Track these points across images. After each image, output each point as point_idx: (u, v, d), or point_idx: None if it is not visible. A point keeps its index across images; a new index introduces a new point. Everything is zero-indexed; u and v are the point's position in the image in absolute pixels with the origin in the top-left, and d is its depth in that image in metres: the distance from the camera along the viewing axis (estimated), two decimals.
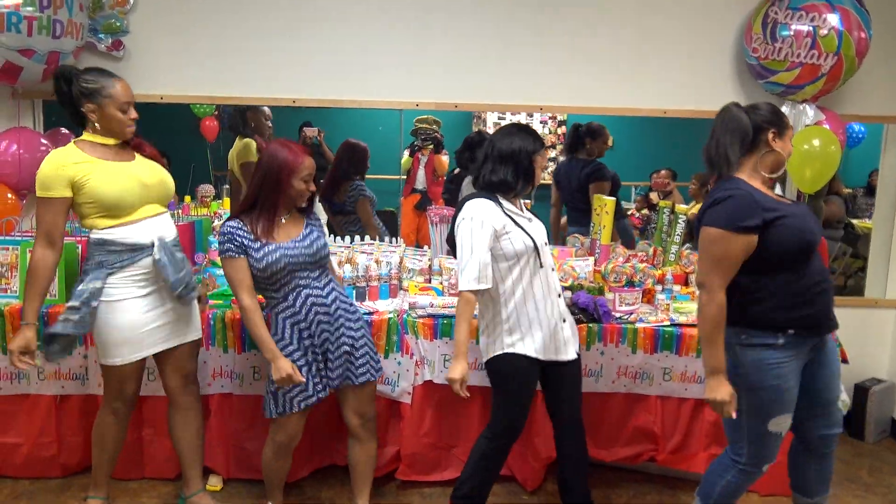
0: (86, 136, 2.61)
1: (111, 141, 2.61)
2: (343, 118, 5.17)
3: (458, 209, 2.65)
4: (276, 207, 2.56)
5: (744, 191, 2.28)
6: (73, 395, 3.07)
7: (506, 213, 2.60)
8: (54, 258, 2.53)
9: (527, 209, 2.77)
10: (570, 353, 2.67)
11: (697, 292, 2.37)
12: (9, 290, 3.14)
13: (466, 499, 2.71)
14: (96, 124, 2.58)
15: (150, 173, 2.65)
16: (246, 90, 3.73)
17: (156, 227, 2.63)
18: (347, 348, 2.66)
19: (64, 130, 3.75)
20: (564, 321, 2.67)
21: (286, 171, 2.53)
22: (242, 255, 2.53)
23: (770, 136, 2.36)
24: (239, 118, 4.74)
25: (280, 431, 2.67)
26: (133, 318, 2.58)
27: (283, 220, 2.62)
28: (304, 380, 2.57)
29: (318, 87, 3.79)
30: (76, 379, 3.05)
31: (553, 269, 2.69)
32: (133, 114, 2.62)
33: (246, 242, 2.53)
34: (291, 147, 2.57)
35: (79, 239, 3.19)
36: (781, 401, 2.37)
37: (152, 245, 2.58)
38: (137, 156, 2.68)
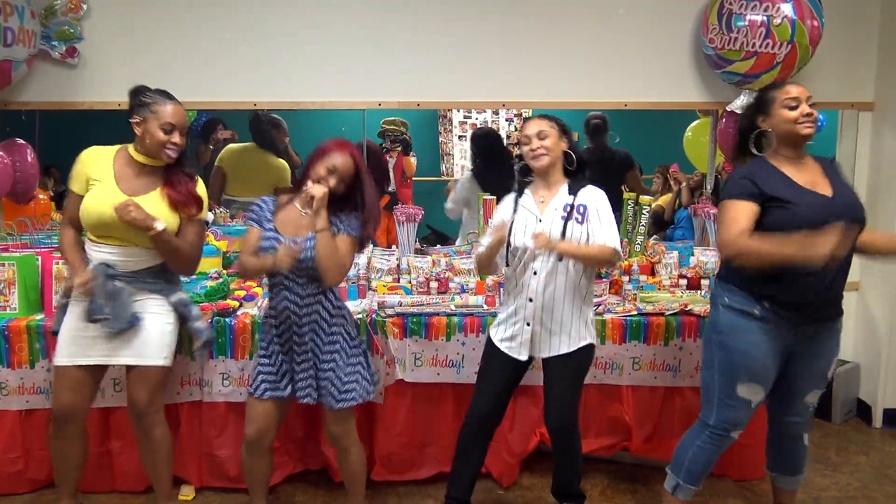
0: (130, 146, 2.60)
1: (143, 159, 2.57)
2: (305, 119, 5.14)
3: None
4: (293, 196, 2.62)
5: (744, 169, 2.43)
6: (37, 410, 3.00)
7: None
8: (75, 234, 2.64)
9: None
10: (522, 355, 2.65)
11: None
12: None
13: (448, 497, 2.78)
14: (141, 139, 2.55)
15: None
16: (206, 95, 3.68)
17: (112, 254, 2.57)
18: (309, 365, 2.59)
19: (20, 141, 3.68)
20: (529, 325, 2.63)
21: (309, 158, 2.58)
22: (255, 226, 2.56)
23: (759, 122, 2.45)
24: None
25: (249, 424, 2.64)
26: (72, 321, 2.61)
27: (305, 214, 2.54)
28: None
29: (278, 89, 3.77)
30: (40, 393, 2.98)
31: (535, 273, 2.59)
32: (176, 138, 2.53)
33: (264, 216, 2.57)
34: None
35: (38, 251, 3.12)
36: (751, 368, 2.42)
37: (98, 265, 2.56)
38: (158, 191, 2.57)
